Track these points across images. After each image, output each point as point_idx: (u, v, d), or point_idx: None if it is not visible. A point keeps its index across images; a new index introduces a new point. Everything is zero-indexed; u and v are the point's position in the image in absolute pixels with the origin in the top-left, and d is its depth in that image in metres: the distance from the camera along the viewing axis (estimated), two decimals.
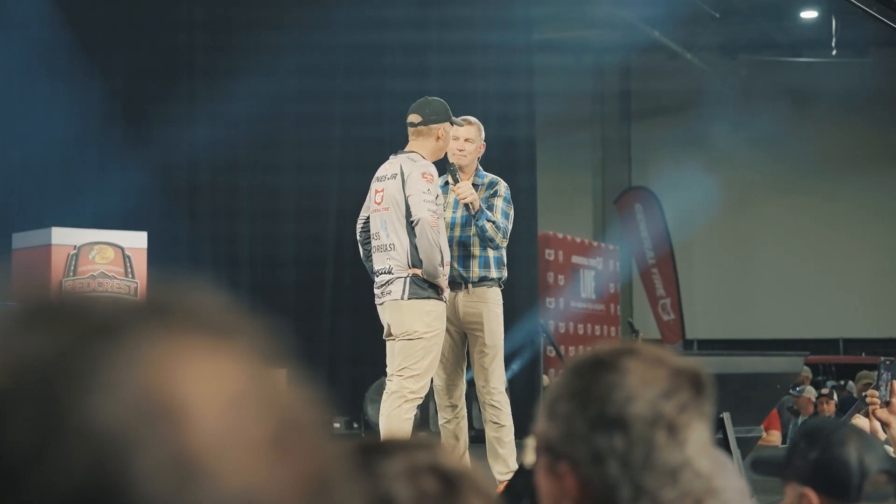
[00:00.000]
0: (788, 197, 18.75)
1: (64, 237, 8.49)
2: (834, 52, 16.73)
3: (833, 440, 2.09)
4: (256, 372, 0.58)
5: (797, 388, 11.30)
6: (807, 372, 12.45)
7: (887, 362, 3.26)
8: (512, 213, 6.08)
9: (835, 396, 10.52)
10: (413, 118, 5.74)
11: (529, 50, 13.44)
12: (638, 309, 18.49)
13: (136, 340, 0.57)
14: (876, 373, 3.25)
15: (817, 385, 12.97)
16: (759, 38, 17.35)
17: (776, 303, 18.71)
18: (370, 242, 5.79)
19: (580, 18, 16.99)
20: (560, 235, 14.03)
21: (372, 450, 1.01)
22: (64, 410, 0.54)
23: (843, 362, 16.16)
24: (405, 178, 5.59)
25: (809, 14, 16.73)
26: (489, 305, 5.96)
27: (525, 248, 12.58)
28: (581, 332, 14.09)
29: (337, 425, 10.79)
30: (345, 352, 11.54)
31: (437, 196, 5.66)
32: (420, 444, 1.03)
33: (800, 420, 10.75)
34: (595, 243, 15.52)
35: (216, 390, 0.56)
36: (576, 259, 14.23)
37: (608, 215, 18.97)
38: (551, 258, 13.68)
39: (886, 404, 3.20)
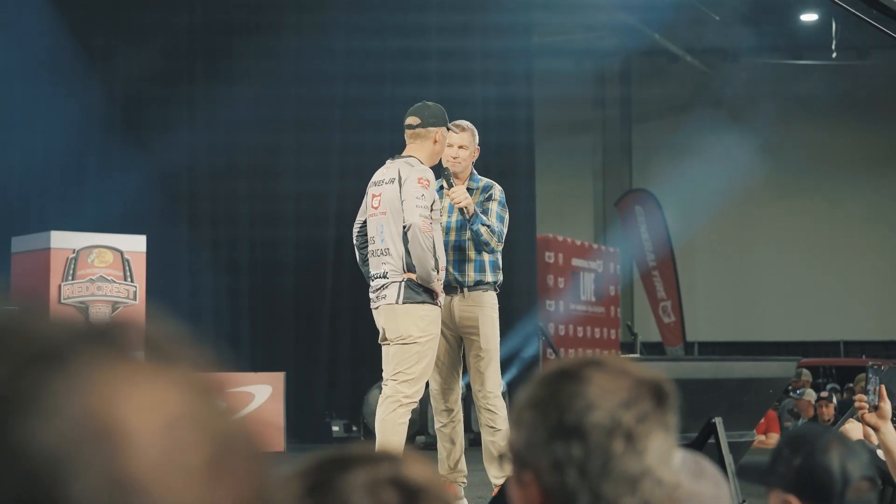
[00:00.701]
0: (789, 199, 18.74)
1: (63, 241, 8.50)
2: (834, 55, 16.73)
3: (816, 447, 2.10)
4: (195, 397, 0.59)
5: (797, 392, 11.30)
6: (807, 375, 12.45)
7: (875, 366, 3.26)
8: (507, 216, 6.07)
9: (834, 400, 10.51)
10: (412, 120, 5.75)
11: (529, 53, 13.47)
12: (639, 311, 18.50)
13: (77, 365, 0.58)
14: (867, 376, 3.26)
15: (818, 388, 12.98)
16: (759, 40, 17.35)
17: (777, 305, 18.71)
18: (366, 247, 5.80)
19: (580, 21, 17.00)
20: (560, 238, 14.04)
21: (332, 463, 1.02)
22: (3, 433, 0.55)
23: (844, 365, 16.15)
24: (402, 182, 5.59)
25: (810, 17, 16.73)
26: (485, 309, 5.96)
27: (524, 251, 12.60)
28: (581, 334, 14.09)
29: (336, 428, 10.79)
30: (344, 356, 11.55)
31: (434, 201, 5.66)
32: (383, 456, 1.03)
33: (800, 423, 10.76)
34: (595, 246, 15.52)
35: (154, 415, 0.57)
36: (576, 262, 14.23)
37: (609, 218, 18.97)
38: (551, 261, 13.69)
39: (875, 409, 3.20)
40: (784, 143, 17.37)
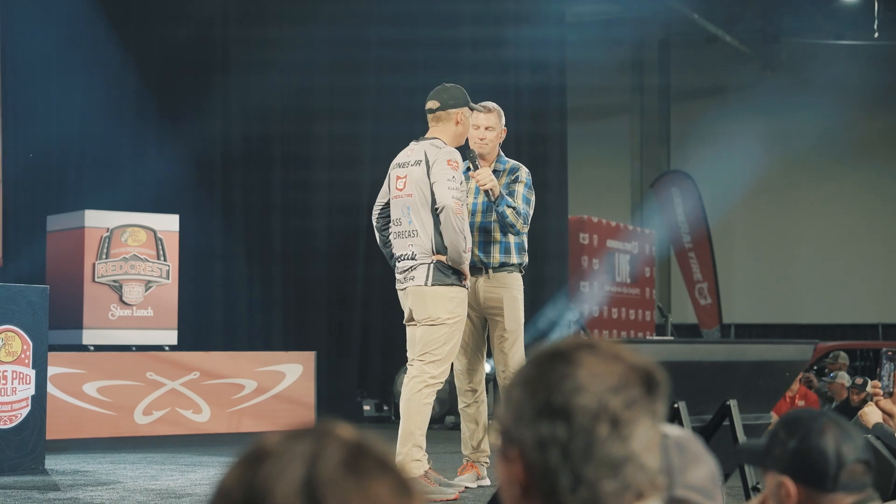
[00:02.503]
0: (827, 181, 18.58)
1: (97, 220, 8.59)
2: (876, 35, 16.51)
3: (811, 430, 2.11)
4: None
5: (830, 374, 11.23)
6: (844, 359, 12.35)
7: (889, 353, 3.25)
8: (533, 198, 6.08)
9: (869, 386, 10.38)
10: (431, 104, 5.77)
11: (564, 33, 13.41)
12: (675, 293, 18.42)
13: None
14: (881, 362, 3.24)
15: (854, 370, 12.83)
16: (800, 20, 17.16)
17: (814, 287, 18.57)
18: (388, 229, 5.83)
19: (618, 0, 16.91)
20: (595, 219, 13.98)
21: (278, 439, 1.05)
22: None
23: (882, 347, 16.01)
24: (430, 164, 5.61)
25: None
26: (510, 291, 5.99)
27: (556, 233, 12.58)
28: (615, 316, 14.05)
29: (367, 408, 10.85)
30: (376, 335, 11.59)
31: (462, 182, 5.68)
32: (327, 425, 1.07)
33: (833, 406, 10.68)
34: (630, 227, 15.45)
35: None
36: (611, 243, 14.18)
37: (645, 198, 18.88)
38: (586, 242, 13.64)
39: (889, 395, 3.20)
40: (823, 124, 17.19)
